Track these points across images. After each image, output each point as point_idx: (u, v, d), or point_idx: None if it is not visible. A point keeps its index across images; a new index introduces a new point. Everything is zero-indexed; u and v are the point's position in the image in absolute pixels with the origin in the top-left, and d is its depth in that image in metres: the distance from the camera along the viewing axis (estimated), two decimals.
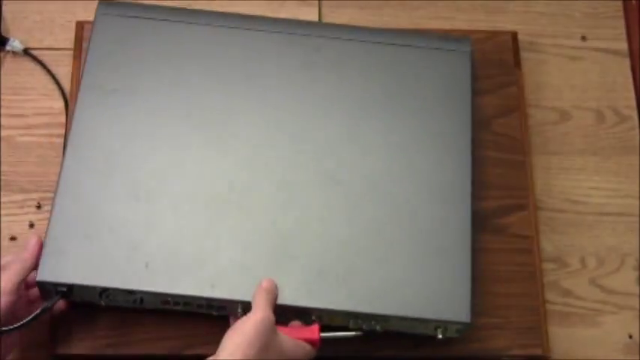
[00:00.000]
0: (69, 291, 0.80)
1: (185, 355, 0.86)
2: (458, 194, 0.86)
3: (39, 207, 0.92)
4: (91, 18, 0.93)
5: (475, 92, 0.95)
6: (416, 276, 0.82)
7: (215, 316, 0.83)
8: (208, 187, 0.85)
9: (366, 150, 0.88)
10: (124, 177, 0.84)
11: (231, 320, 0.82)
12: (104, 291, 0.80)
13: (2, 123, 0.96)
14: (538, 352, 0.89)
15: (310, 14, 1.05)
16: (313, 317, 0.81)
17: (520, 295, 0.91)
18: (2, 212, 0.92)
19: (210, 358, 0.72)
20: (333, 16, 1.05)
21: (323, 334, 0.80)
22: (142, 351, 0.86)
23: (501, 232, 0.93)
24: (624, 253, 0.96)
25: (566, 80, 1.04)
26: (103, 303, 0.82)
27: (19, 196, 0.93)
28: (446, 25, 1.05)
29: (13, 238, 0.91)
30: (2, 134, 0.95)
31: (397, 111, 0.90)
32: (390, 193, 0.86)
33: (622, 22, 1.07)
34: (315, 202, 0.85)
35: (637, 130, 1.02)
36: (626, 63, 1.05)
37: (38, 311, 0.78)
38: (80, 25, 0.99)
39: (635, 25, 1.06)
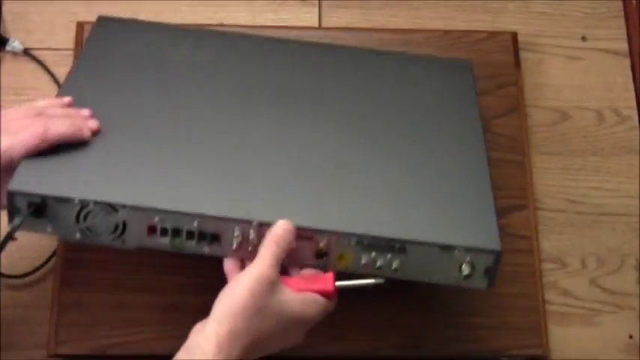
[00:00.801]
0: (42, 207, 0.72)
1: None
2: (472, 142, 0.84)
3: None
4: (91, 18, 0.93)
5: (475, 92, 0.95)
6: (440, 208, 0.77)
7: (207, 257, 0.75)
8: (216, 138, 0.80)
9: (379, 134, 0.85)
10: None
11: (228, 277, 0.74)
12: (82, 209, 0.72)
13: None
14: (538, 352, 0.89)
15: (310, 14, 1.05)
16: (321, 246, 0.73)
17: (520, 295, 0.91)
18: (2, 212, 0.92)
19: (200, 323, 0.68)
20: (333, 16, 1.05)
21: (339, 283, 0.73)
22: (142, 351, 0.86)
23: (501, 232, 0.93)
24: (624, 254, 0.96)
25: (566, 80, 1.04)
26: (78, 235, 0.73)
27: None
28: (446, 25, 1.05)
29: (13, 238, 0.91)
30: None
31: (407, 111, 0.89)
32: (406, 137, 0.84)
33: (622, 23, 1.07)
34: (330, 139, 0.82)
35: (637, 130, 1.02)
36: (626, 63, 1.05)
37: (5, 235, 0.71)
38: (80, 26, 0.99)
39: (635, 25, 1.06)
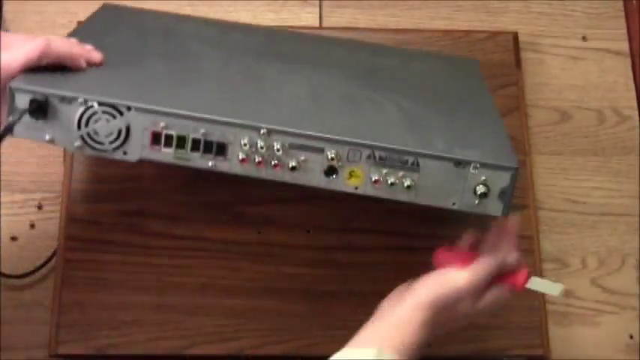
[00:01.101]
0: (43, 106, 0.69)
1: (185, 355, 0.86)
2: (480, 93, 0.87)
3: (40, 207, 0.92)
4: None
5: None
6: (454, 129, 0.76)
7: (210, 171, 0.71)
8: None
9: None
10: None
11: (439, 261, 0.74)
12: (85, 111, 0.69)
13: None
14: (538, 352, 0.89)
15: (311, 14, 1.05)
16: (331, 158, 0.70)
17: (520, 295, 0.90)
18: (3, 212, 0.92)
19: (395, 293, 0.72)
20: (333, 16, 1.05)
21: (530, 285, 0.74)
22: (142, 351, 0.86)
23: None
24: (625, 254, 0.96)
25: (567, 80, 1.04)
26: (78, 143, 0.70)
27: (19, 196, 0.93)
28: (446, 25, 1.05)
29: (13, 238, 0.91)
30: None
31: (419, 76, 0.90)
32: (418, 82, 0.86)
33: (622, 23, 1.07)
34: (342, 73, 0.84)
35: (637, 130, 1.02)
36: (627, 63, 1.05)
37: (3, 128, 0.69)
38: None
39: (635, 25, 1.06)
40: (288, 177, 0.71)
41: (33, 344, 0.87)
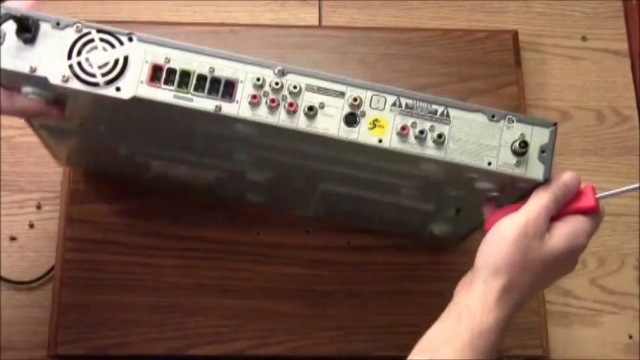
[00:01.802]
0: (33, 26, 0.62)
1: (185, 355, 0.86)
2: None
3: (39, 207, 0.92)
4: (91, 18, 0.93)
5: (475, 91, 0.95)
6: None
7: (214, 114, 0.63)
8: None
9: None
10: None
11: (486, 219, 0.66)
12: (80, 38, 0.62)
13: (2, 123, 0.96)
14: (538, 352, 0.89)
15: (310, 14, 1.05)
16: (352, 104, 0.62)
17: None
18: (2, 212, 0.92)
19: (464, 280, 0.63)
20: (333, 16, 1.05)
21: (600, 195, 0.65)
22: (142, 351, 0.86)
23: None
24: (624, 254, 0.96)
25: (567, 80, 1.04)
26: (64, 76, 0.62)
27: (19, 196, 0.93)
28: (445, 25, 1.05)
29: (13, 238, 0.91)
30: (2, 134, 0.95)
31: None
32: None
33: (622, 22, 1.07)
34: None
35: (637, 130, 1.02)
36: (627, 63, 1.05)
37: None
38: None
39: (635, 25, 1.06)
40: (303, 124, 0.62)
41: (33, 344, 0.87)
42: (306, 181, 0.78)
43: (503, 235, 0.61)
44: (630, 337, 0.93)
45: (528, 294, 0.63)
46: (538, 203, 0.62)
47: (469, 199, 0.71)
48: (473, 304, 0.60)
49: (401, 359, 0.88)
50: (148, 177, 0.86)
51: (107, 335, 0.86)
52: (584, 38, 1.06)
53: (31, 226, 0.92)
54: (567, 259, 0.64)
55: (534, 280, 0.62)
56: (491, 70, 1.00)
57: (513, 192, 0.66)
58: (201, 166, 0.80)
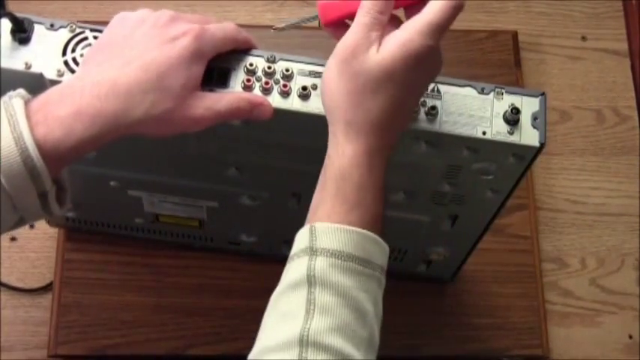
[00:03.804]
0: (27, 27, 0.65)
1: (185, 355, 0.86)
2: None
3: None
4: (91, 18, 0.93)
5: None
6: None
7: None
8: None
9: None
10: None
11: None
12: (73, 37, 0.65)
13: None
14: (538, 352, 0.89)
15: (310, 14, 1.04)
16: None
17: (520, 295, 0.91)
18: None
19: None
20: None
21: None
22: (142, 351, 0.86)
23: (501, 233, 0.93)
24: (624, 254, 0.96)
25: (566, 80, 1.04)
26: (58, 69, 0.63)
27: None
28: None
29: (13, 239, 0.91)
30: None
31: None
32: None
33: (622, 22, 1.07)
34: None
35: (637, 130, 1.02)
36: (626, 63, 1.05)
37: None
38: None
39: (635, 25, 1.06)
40: (297, 104, 0.63)
41: (33, 344, 0.87)
42: (298, 199, 0.78)
43: (328, 63, 0.59)
44: (630, 337, 0.93)
45: (381, 117, 0.57)
46: (355, 23, 0.60)
47: (466, 199, 0.72)
48: (332, 153, 0.58)
49: (400, 359, 0.89)
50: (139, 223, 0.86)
51: (107, 335, 0.86)
52: (584, 38, 1.06)
53: (32, 226, 0.92)
54: (410, 65, 0.59)
55: (381, 101, 0.57)
56: (490, 70, 1.00)
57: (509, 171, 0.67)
58: (193, 194, 0.79)
